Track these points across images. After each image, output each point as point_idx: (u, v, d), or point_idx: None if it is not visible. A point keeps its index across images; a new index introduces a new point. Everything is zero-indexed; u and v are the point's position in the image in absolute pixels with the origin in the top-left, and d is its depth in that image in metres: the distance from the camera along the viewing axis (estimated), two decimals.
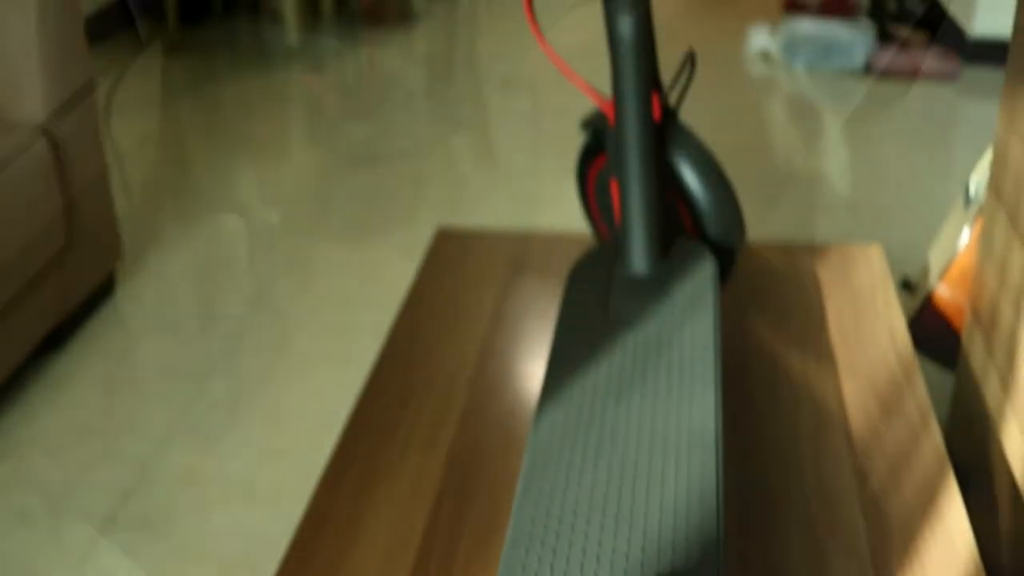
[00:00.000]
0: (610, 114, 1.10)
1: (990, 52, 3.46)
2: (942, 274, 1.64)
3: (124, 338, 2.05)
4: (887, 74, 3.36)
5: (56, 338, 2.04)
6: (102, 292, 2.18)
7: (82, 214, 1.99)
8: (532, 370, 1.16)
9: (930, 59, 3.36)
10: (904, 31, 3.49)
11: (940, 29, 3.41)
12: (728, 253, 1.18)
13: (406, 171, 2.07)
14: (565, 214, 1.44)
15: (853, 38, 3.46)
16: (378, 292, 2.09)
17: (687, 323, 0.99)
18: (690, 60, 1.17)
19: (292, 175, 1.88)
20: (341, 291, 2.19)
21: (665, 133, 1.14)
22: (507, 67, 2.22)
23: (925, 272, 1.72)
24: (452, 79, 1.85)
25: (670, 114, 1.16)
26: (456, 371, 1.16)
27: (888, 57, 3.36)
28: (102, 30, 3.78)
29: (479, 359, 1.18)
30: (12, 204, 1.75)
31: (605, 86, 2.26)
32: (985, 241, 1.29)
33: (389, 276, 2.15)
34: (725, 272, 1.20)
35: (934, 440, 1.04)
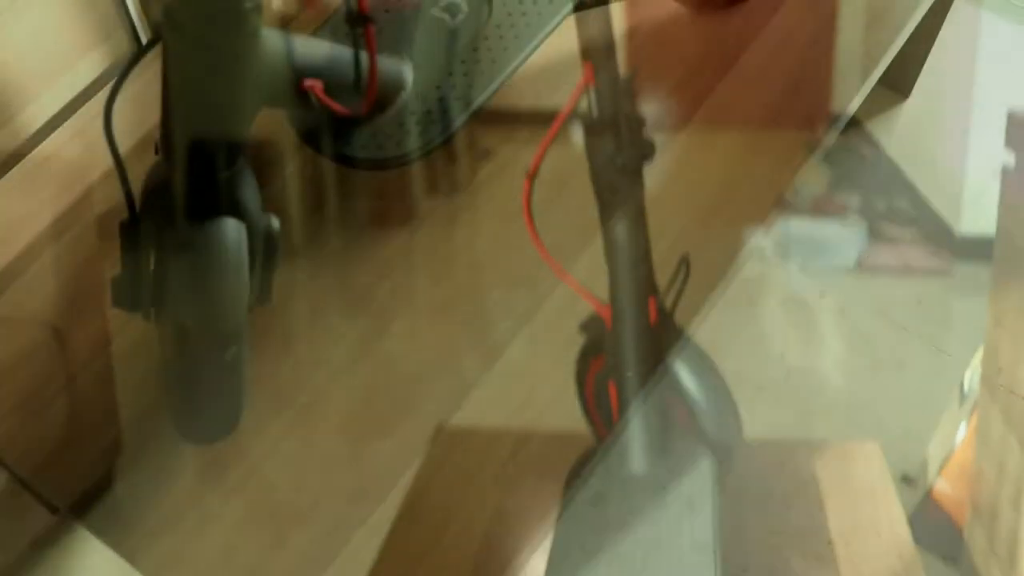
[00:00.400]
0: (607, 318, 1.13)
1: (978, 248, 3.53)
2: (941, 469, 1.65)
3: (122, 533, 2.03)
4: (879, 270, 3.43)
5: (52, 534, 2.02)
6: (100, 487, 2.17)
7: (84, 411, 2.00)
8: (531, 572, 1.15)
9: (920, 255, 3.43)
10: (894, 228, 3.58)
11: (928, 226, 3.49)
12: (726, 452, 1.19)
13: (405, 367, 2.09)
14: (564, 413, 1.45)
15: (844, 236, 3.54)
16: (376, 489, 2.08)
17: (685, 523, 0.99)
18: (685, 264, 1.20)
19: (290, 370, 1.90)
20: (338, 488, 2.17)
21: (661, 335, 1.17)
22: (507, 264, 2.28)
23: (924, 467, 1.72)
24: (452, 277, 1.90)
25: (666, 316, 1.19)
26: (455, 572, 1.15)
27: (879, 254, 3.43)
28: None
29: (478, 559, 1.17)
30: (15, 400, 1.76)
31: (602, 286, 2.30)
32: (981, 436, 1.30)
33: (387, 473, 2.14)
34: (723, 471, 1.21)
35: None
